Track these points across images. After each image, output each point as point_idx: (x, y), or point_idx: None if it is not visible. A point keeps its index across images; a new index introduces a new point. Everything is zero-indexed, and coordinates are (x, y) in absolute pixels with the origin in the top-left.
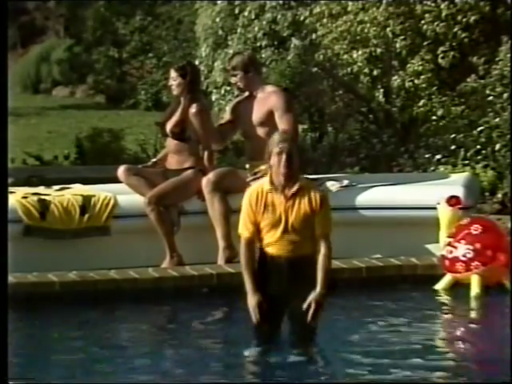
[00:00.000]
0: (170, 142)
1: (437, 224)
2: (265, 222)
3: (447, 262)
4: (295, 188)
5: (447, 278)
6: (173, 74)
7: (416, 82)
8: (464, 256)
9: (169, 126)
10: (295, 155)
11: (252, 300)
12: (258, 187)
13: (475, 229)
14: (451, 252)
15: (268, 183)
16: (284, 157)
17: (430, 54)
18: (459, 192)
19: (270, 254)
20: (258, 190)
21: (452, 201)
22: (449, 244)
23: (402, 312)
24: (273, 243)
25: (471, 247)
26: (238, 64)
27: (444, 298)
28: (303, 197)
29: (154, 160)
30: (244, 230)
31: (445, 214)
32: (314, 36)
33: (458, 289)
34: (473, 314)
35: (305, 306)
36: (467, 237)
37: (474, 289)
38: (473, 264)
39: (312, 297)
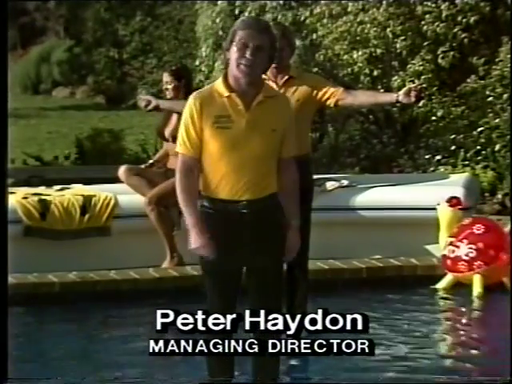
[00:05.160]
0: (170, 146)
1: (437, 224)
2: (217, 143)
3: (449, 262)
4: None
5: (448, 278)
6: (167, 77)
7: (416, 82)
8: (466, 255)
9: (168, 131)
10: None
11: (200, 239)
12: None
13: (478, 228)
14: (453, 251)
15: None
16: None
17: (431, 55)
18: (459, 192)
19: (220, 199)
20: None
21: (452, 201)
22: (451, 243)
23: (402, 312)
24: (228, 176)
25: (474, 247)
26: None
27: (445, 298)
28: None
29: (151, 161)
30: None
31: (445, 214)
32: (314, 36)
33: (459, 289)
34: (474, 314)
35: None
36: (470, 236)
37: (476, 288)
38: (475, 264)
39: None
